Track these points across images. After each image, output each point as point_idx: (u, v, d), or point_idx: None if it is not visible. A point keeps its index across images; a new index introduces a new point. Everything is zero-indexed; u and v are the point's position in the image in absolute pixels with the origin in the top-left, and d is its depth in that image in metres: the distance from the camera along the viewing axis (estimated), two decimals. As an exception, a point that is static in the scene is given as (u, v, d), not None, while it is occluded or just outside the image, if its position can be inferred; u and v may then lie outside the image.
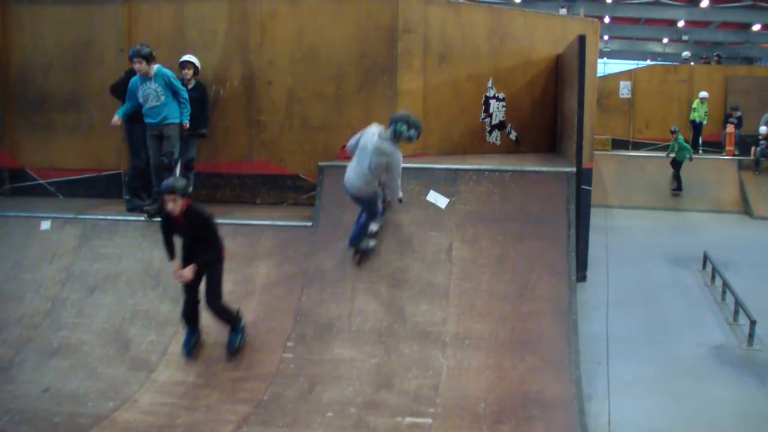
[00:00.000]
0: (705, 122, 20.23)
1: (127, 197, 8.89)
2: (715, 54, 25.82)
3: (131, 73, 8.76)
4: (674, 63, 28.73)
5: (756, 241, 14.62)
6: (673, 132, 18.68)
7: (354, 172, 7.30)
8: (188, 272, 6.78)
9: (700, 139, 20.27)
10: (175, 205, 6.65)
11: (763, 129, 18.54)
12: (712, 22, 34.56)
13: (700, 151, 19.89)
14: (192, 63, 8.99)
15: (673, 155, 18.54)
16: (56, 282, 8.03)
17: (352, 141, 7.48)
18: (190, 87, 8.95)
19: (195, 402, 6.57)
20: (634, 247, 13.66)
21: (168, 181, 6.77)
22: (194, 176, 9.18)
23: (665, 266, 12.29)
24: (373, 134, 7.20)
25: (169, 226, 6.90)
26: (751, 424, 6.69)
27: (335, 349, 7.03)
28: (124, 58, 9.48)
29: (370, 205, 7.54)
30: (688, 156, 18.23)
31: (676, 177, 18.42)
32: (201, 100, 9.06)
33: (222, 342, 7.20)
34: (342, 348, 7.03)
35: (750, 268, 11.98)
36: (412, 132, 7.14)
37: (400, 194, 7.50)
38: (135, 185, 8.89)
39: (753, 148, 18.64)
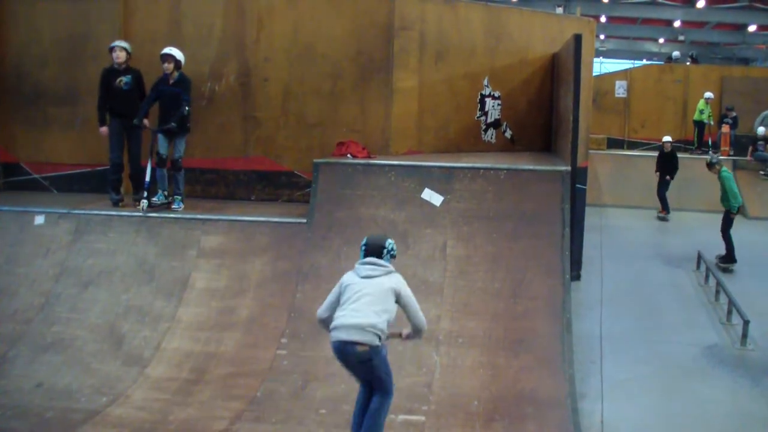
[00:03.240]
0: (712, 123, 20.25)
1: (109, 189, 9.03)
2: (689, 54, 25.98)
3: (107, 75, 8.85)
4: (659, 62, 28.81)
5: (750, 241, 14.61)
6: (711, 165, 12.72)
7: (347, 318, 5.35)
8: None
9: (709, 141, 20.24)
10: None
11: (761, 130, 18.47)
12: (709, 23, 34.59)
13: (709, 152, 19.86)
14: (172, 56, 8.71)
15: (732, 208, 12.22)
16: (50, 277, 8.00)
17: (323, 307, 5.66)
18: (172, 81, 8.77)
19: (188, 398, 6.56)
20: (629, 247, 13.68)
21: None
22: (184, 174, 9.09)
23: (659, 266, 12.31)
24: (359, 270, 5.54)
25: None
26: (743, 423, 6.71)
27: (329, 346, 7.01)
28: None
29: (376, 371, 5.40)
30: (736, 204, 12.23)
31: (724, 236, 12.27)
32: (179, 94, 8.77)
33: (221, 341, 7.20)
34: (336, 345, 7.01)
35: (744, 268, 12.01)
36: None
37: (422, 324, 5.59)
38: (113, 178, 9.00)
39: (750, 148, 18.61)
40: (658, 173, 16.94)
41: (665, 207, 16.78)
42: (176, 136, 8.84)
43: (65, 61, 9.90)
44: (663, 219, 16.69)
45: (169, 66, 8.71)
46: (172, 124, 8.69)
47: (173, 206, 8.79)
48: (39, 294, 7.87)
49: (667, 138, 17.08)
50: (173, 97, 8.74)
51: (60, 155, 10.04)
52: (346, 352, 5.31)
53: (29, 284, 7.97)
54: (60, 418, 6.27)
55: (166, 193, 8.94)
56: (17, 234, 8.45)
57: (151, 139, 8.82)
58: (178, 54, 8.76)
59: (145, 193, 8.66)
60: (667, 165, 16.81)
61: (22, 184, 10.15)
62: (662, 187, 16.83)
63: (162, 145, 8.84)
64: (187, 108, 8.76)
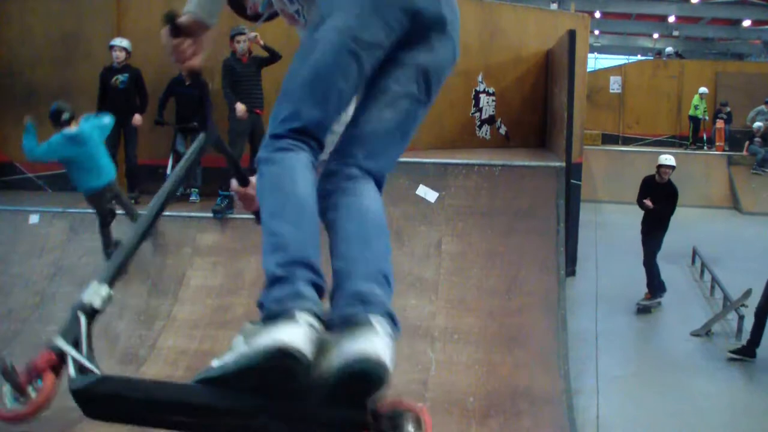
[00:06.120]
0: (706, 118, 20.32)
1: None
2: (675, 51, 26.17)
3: (105, 73, 8.78)
4: (647, 58, 28.94)
5: (745, 236, 14.67)
6: None
7: None
8: None
9: (704, 136, 20.31)
10: None
11: (757, 125, 18.48)
12: (703, 18, 34.61)
13: (704, 148, 19.93)
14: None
15: None
16: (45, 276, 7.98)
17: None
18: (188, 83, 8.48)
19: (184, 396, 6.55)
20: (624, 243, 13.66)
21: None
22: (201, 168, 9.09)
23: (654, 261, 12.32)
24: None
25: None
26: (738, 418, 6.73)
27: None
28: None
29: None
30: None
31: None
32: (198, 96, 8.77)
33: (210, 342, 7.20)
34: (331, 342, 7.01)
35: (739, 263, 12.02)
36: None
37: None
38: None
39: (747, 143, 18.63)
40: (644, 225, 10.25)
41: (655, 287, 9.83)
42: (195, 132, 8.88)
43: (58, 59, 9.85)
44: (645, 309, 9.68)
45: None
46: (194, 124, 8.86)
47: (191, 198, 8.90)
48: (34, 293, 7.85)
49: (667, 159, 10.00)
50: (191, 99, 8.80)
51: (54, 154, 10.00)
52: None
53: (24, 283, 7.95)
54: (56, 417, 6.22)
55: (197, 190, 9.03)
56: (12, 233, 8.43)
57: (173, 136, 8.94)
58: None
59: None
60: (658, 210, 9.87)
61: (16, 183, 10.10)
62: (651, 248, 10.01)
63: (180, 143, 8.92)
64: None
